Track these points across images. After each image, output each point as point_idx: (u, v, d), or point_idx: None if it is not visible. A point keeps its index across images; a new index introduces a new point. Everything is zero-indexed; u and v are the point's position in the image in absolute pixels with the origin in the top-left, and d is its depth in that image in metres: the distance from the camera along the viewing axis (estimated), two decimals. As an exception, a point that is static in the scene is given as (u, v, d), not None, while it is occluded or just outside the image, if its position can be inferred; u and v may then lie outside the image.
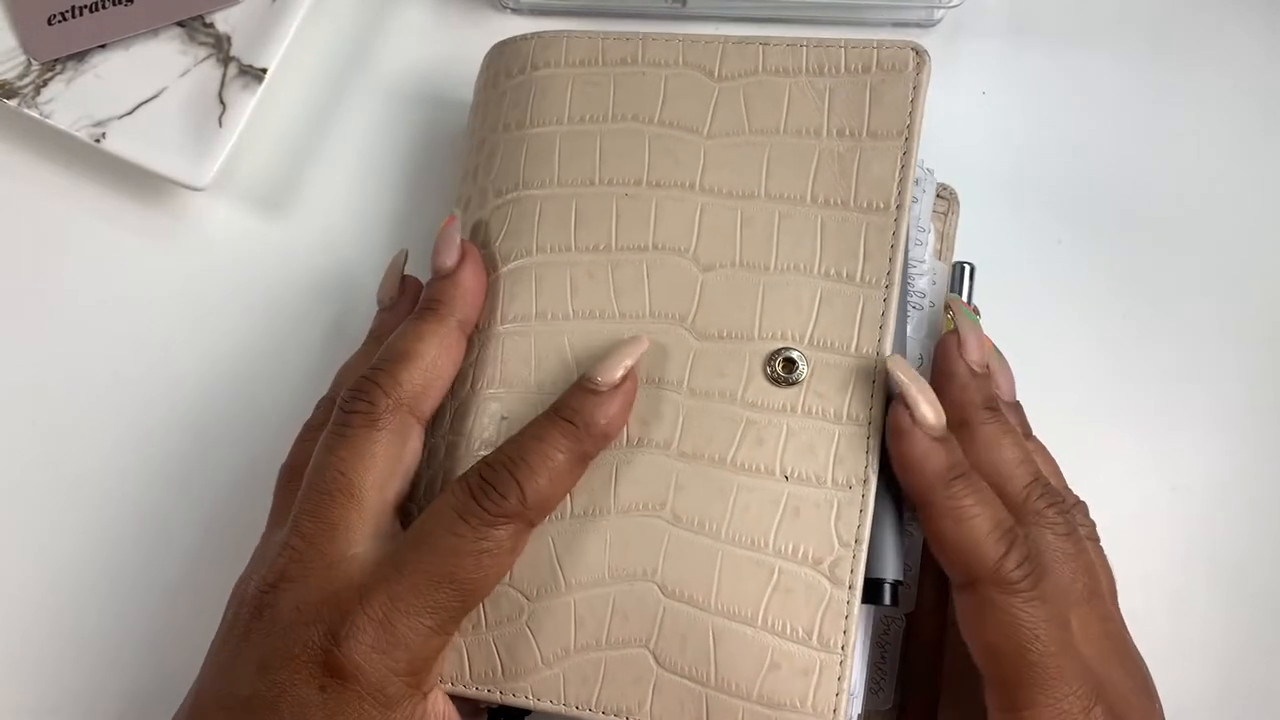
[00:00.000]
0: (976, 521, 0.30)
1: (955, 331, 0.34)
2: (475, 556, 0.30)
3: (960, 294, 0.39)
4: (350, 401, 0.33)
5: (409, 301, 0.38)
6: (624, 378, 0.32)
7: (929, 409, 0.31)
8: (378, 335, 0.38)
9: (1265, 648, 0.41)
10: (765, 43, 0.36)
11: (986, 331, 0.36)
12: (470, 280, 0.35)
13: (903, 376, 0.32)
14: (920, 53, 0.35)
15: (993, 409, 0.33)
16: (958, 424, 0.33)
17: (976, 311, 0.38)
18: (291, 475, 0.35)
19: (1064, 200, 0.45)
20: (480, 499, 0.30)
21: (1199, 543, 0.42)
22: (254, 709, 0.29)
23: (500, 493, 0.31)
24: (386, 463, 0.32)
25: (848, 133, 0.35)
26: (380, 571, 0.30)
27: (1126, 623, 0.33)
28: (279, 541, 0.32)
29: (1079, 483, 0.41)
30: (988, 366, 0.34)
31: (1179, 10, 0.47)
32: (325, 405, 0.37)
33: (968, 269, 0.39)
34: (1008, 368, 0.36)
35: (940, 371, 0.34)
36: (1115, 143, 0.45)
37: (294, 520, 0.32)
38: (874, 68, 0.36)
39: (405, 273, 0.39)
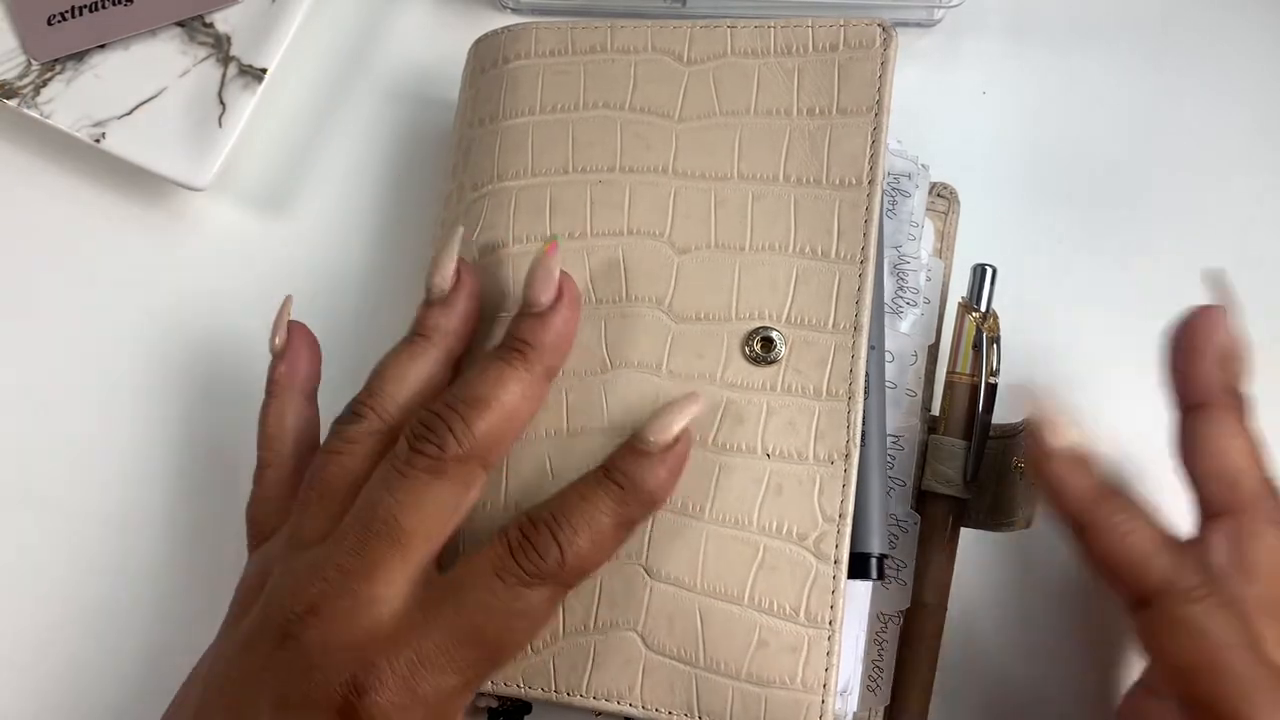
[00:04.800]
0: (1138, 535, 0.29)
1: (1219, 307, 0.33)
2: (506, 617, 0.29)
3: (980, 297, 0.38)
4: (418, 441, 0.30)
5: (466, 299, 0.34)
6: (677, 438, 0.31)
7: (1059, 433, 0.31)
8: (425, 334, 0.34)
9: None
10: (733, 25, 0.37)
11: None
12: (563, 324, 0.32)
13: (1032, 410, 0.31)
14: (887, 28, 0.35)
15: (1236, 395, 0.32)
16: (1196, 405, 0.32)
17: (995, 316, 0.38)
18: (326, 490, 0.32)
19: (1065, 199, 0.45)
20: (519, 557, 0.29)
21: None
22: None
23: (539, 553, 0.29)
24: (441, 512, 0.30)
25: (818, 111, 0.35)
26: (410, 623, 0.29)
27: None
28: (312, 564, 0.30)
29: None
30: (1238, 354, 0.33)
31: (1179, 9, 0.46)
32: (358, 411, 0.33)
33: (989, 271, 0.38)
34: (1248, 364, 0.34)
35: (1192, 344, 0.33)
36: (1116, 142, 0.45)
37: (332, 549, 0.30)
38: (841, 45, 0.36)
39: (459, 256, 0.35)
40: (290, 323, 0.36)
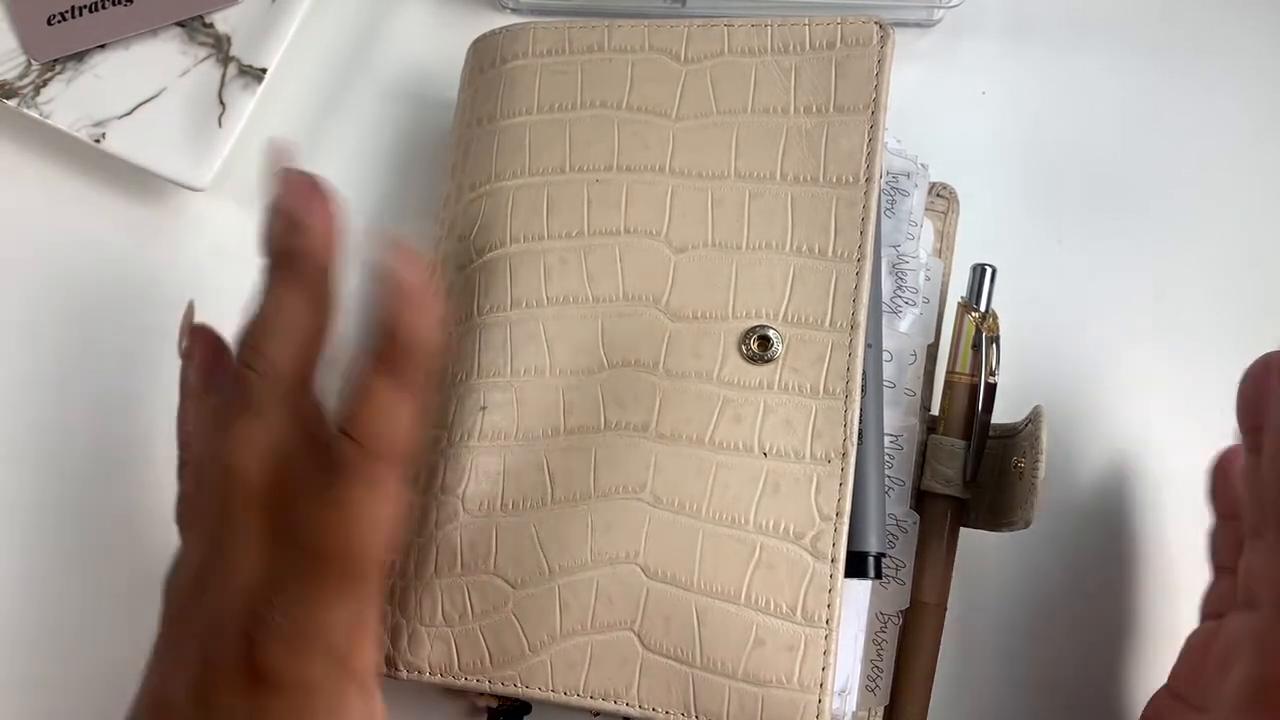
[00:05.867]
0: None
1: None
2: (342, 526, 0.29)
3: (979, 296, 0.38)
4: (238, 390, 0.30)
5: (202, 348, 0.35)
6: (402, 279, 0.30)
7: None
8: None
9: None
10: (730, 24, 0.37)
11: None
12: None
13: None
14: (884, 26, 0.35)
15: None
16: None
17: (995, 315, 0.38)
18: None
19: (1064, 200, 0.44)
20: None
21: (1181, 548, 0.41)
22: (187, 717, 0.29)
23: (340, 452, 0.29)
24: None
25: (814, 109, 0.35)
26: (271, 570, 0.29)
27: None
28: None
29: (1078, 485, 0.41)
30: None
31: (1179, 9, 0.46)
32: (242, 378, 0.32)
33: (988, 271, 0.38)
34: None
35: None
36: (1115, 142, 0.45)
37: (198, 524, 0.31)
38: (838, 43, 0.36)
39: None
40: (193, 327, 0.35)
